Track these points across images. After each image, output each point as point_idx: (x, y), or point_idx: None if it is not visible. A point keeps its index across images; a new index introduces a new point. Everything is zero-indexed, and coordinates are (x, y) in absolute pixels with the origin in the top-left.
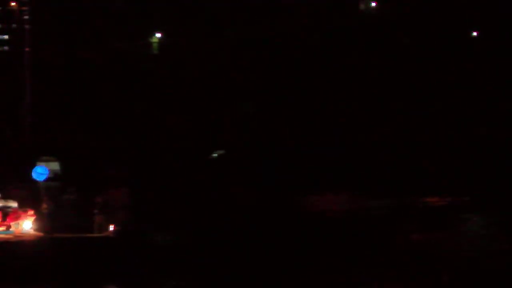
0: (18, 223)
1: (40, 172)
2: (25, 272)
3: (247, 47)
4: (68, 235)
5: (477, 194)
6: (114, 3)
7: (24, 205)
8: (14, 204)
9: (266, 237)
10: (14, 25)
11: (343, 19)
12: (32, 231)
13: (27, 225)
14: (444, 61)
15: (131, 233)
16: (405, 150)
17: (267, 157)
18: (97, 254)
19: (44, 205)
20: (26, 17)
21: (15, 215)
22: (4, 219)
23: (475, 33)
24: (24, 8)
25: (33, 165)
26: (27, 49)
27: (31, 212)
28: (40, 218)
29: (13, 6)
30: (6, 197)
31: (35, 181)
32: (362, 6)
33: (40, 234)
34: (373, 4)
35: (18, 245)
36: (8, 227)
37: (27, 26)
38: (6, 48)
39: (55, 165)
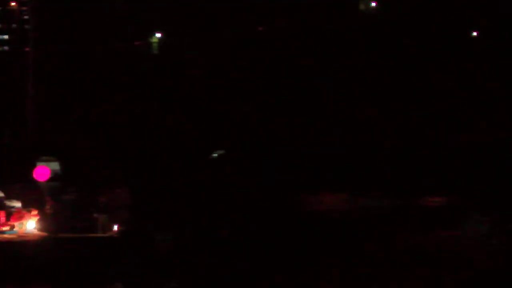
0: (22, 223)
1: (42, 172)
2: (29, 272)
3: (247, 47)
4: (72, 235)
5: (477, 194)
6: (114, 3)
7: (28, 205)
8: (18, 204)
9: (266, 237)
10: (14, 25)
11: (343, 19)
12: (36, 231)
13: (30, 225)
14: (444, 61)
15: (132, 233)
16: (405, 150)
17: (267, 157)
18: (101, 254)
19: (48, 206)
20: (26, 17)
21: (19, 215)
22: (8, 219)
23: (475, 33)
24: (24, 8)
25: (33, 165)
26: (27, 49)
27: (35, 212)
28: (44, 218)
29: (13, 6)
30: (10, 197)
31: (36, 181)
32: (362, 6)
33: (44, 234)
34: (373, 4)
35: (22, 245)
36: (12, 227)
37: (27, 26)
38: (6, 48)
39: (55, 165)
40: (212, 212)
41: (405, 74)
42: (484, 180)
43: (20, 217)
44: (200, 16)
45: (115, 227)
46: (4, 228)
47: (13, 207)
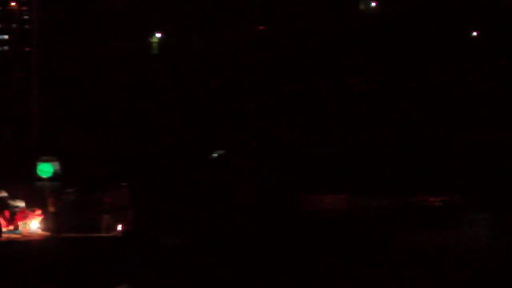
0: (26, 223)
1: (45, 170)
2: (33, 272)
3: (247, 47)
4: (75, 235)
5: (477, 194)
6: (114, 3)
7: (30, 204)
8: (21, 204)
9: (266, 237)
10: (14, 25)
11: (343, 19)
12: (39, 231)
13: (34, 224)
14: (444, 61)
15: (135, 233)
16: (405, 150)
17: (267, 157)
18: (106, 254)
19: (51, 205)
20: (26, 17)
21: (23, 214)
22: (12, 218)
23: (475, 33)
24: (24, 8)
25: (33, 165)
26: (27, 49)
27: (39, 211)
28: (47, 217)
29: (13, 6)
30: (13, 197)
31: (37, 180)
32: (362, 6)
33: (48, 234)
34: (373, 4)
35: (25, 244)
36: (16, 226)
37: (27, 26)
38: (6, 48)
39: (55, 165)
40: (212, 212)
41: (405, 74)
42: (484, 180)
43: (24, 217)
44: (200, 16)
45: (120, 227)
46: (9, 228)
47: (17, 206)
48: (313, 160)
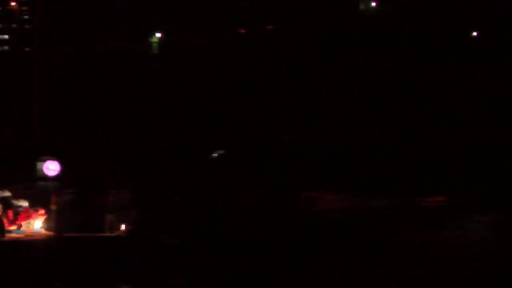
0: (29, 223)
1: (52, 167)
2: (36, 272)
3: (247, 47)
4: (78, 235)
5: (477, 194)
6: (114, 3)
7: (32, 204)
8: (25, 204)
9: (266, 237)
10: (14, 25)
11: (343, 19)
12: (43, 231)
13: (38, 224)
14: (444, 61)
15: (137, 233)
16: (405, 150)
17: (267, 157)
18: (109, 253)
19: (53, 205)
20: (26, 17)
21: (26, 214)
22: (15, 218)
23: (475, 33)
24: (24, 8)
25: (33, 165)
26: (27, 49)
27: (42, 211)
28: (50, 217)
29: (13, 6)
30: (17, 197)
31: (38, 180)
32: (362, 6)
33: (51, 233)
34: (373, 4)
35: (29, 244)
36: (19, 226)
37: (27, 26)
38: (6, 48)
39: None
40: (212, 212)
41: (405, 74)
42: (484, 180)
43: (28, 217)
44: (200, 15)
45: (123, 227)
46: (12, 228)
47: (20, 206)
48: (313, 160)
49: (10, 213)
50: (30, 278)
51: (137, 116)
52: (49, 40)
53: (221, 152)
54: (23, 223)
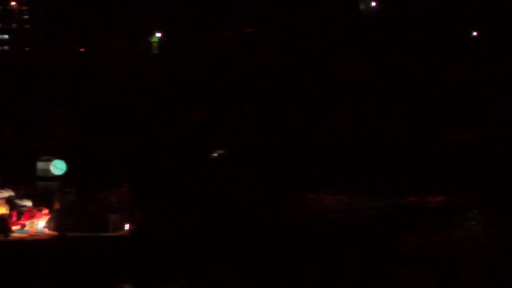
0: (33, 222)
1: (59, 166)
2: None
3: (247, 47)
4: (82, 234)
5: (477, 194)
6: (114, 3)
7: (34, 204)
8: (28, 203)
9: (266, 236)
10: (14, 25)
11: (343, 19)
12: (46, 230)
13: (41, 224)
14: (444, 61)
15: (137, 233)
16: (404, 150)
17: (267, 157)
18: (112, 253)
19: (57, 204)
20: (26, 17)
21: (30, 214)
22: (19, 218)
23: (475, 33)
24: (24, 8)
25: (33, 165)
26: (27, 49)
27: (46, 211)
28: (54, 217)
29: (13, 6)
30: (21, 196)
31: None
32: (362, 6)
33: (54, 233)
34: (373, 4)
35: (32, 244)
36: (23, 226)
37: (27, 26)
38: (6, 48)
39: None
40: (211, 211)
41: (405, 74)
42: (484, 180)
43: (31, 216)
44: (200, 15)
45: (127, 226)
46: (15, 227)
47: (24, 206)
48: (313, 160)
49: (14, 213)
50: (34, 277)
51: (137, 116)
52: (49, 40)
53: (221, 152)
54: (26, 222)
